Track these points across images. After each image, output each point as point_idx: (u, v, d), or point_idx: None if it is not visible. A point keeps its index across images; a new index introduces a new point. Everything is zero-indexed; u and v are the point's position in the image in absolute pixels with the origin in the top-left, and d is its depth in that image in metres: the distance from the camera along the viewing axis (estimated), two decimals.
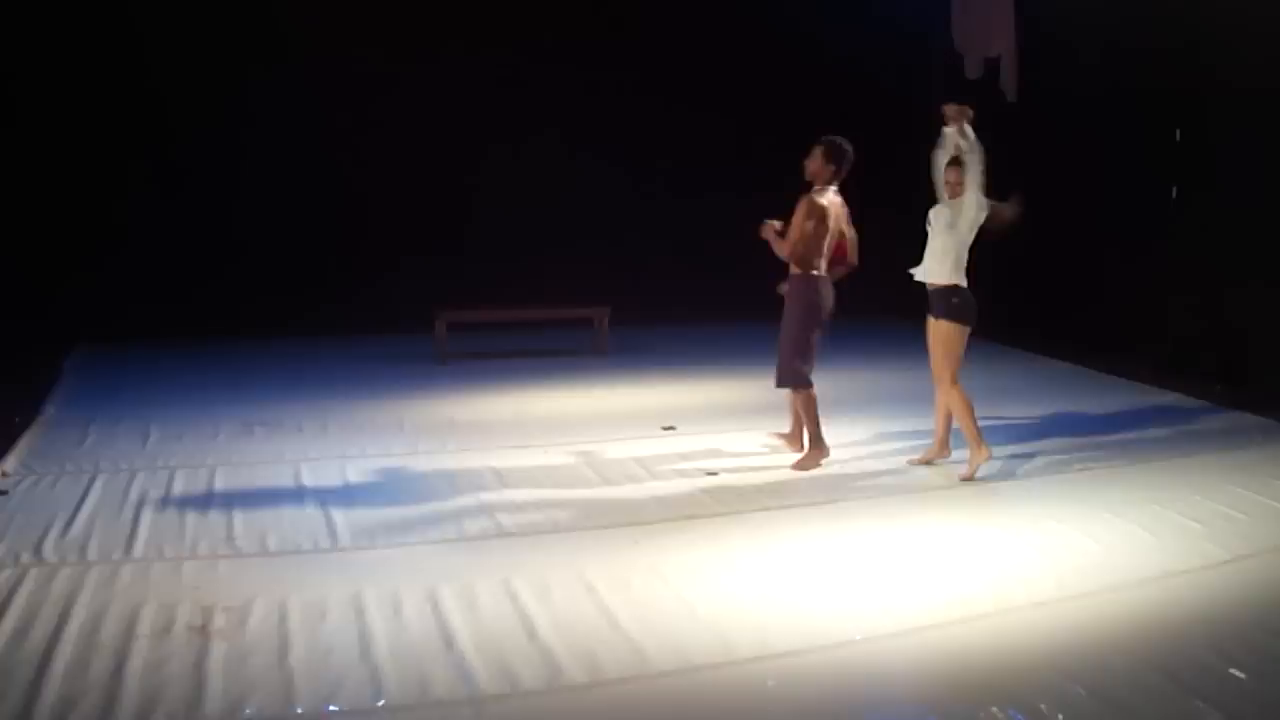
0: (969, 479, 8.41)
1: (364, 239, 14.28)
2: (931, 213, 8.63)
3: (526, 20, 14.72)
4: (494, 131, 14.74)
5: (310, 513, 7.45)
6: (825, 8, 15.48)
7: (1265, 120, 11.25)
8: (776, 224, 8.99)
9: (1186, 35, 12.25)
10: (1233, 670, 5.26)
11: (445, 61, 14.41)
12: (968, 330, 8.50)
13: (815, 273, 8.80)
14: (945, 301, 8.48)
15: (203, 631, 5.44)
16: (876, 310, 14.96)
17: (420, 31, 14.24)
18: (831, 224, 8.82)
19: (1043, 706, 4.87)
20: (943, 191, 8.60)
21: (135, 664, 5.09)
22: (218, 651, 5.24)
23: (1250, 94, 11.46)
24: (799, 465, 8.69)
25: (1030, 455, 9.21)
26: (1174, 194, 12.61)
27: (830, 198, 8.84)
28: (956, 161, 8.51)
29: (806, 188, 8.89)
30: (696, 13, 15.48)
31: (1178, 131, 12.55)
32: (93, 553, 6.59)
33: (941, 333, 8.49)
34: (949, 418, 8.70)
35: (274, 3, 13.73)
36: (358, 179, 14.21)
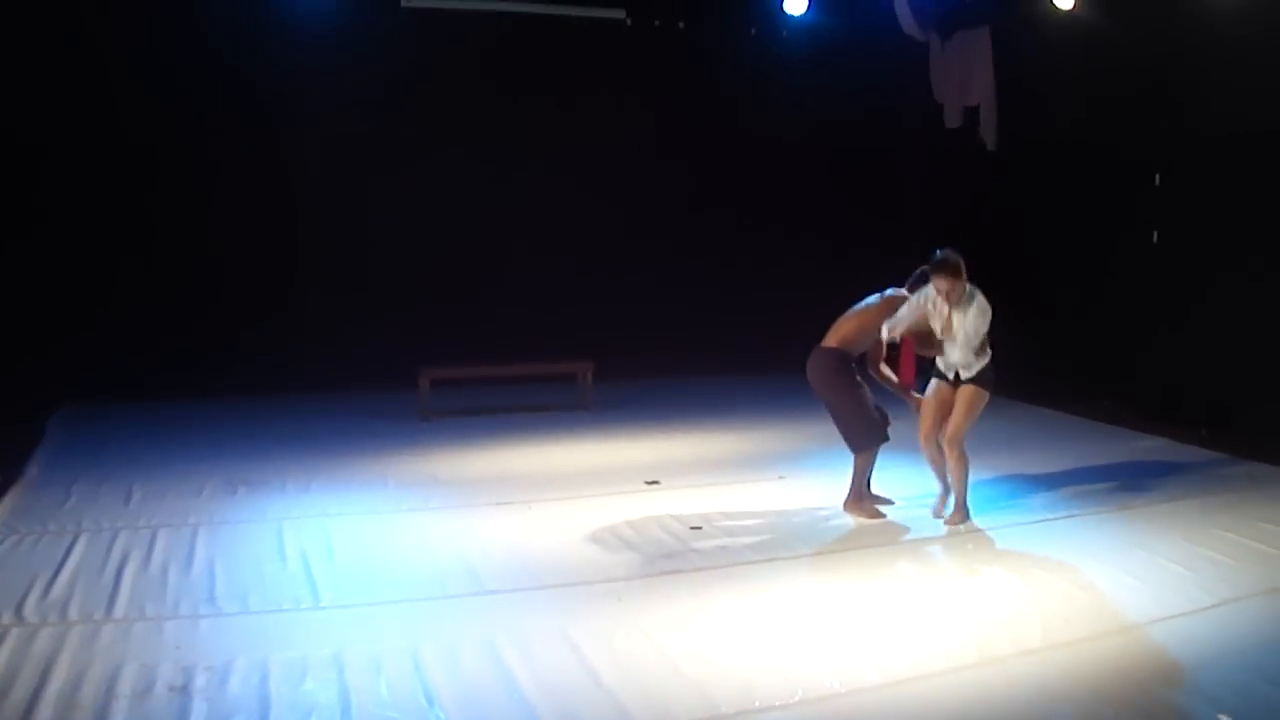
0: (951, 524, 8.56)
1: (348, 295, 14.25)
2: (935, 326, 8.54)
3: (511, 73, 14.80)
4: (479, 189, 14.77)
5: (292, 571, 7.43)
6: (804, 58, 15.60)
7: (1238, 163, 11.37)
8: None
9: (1163, 80, 12.37)
10: (1221, 716, 5.30)
11: (430, 118, 14.46)
12: (988, 395, 8.56)
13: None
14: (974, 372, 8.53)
15: (184, 692, 5.42)
16: None
17: (404, 87, 14.30)
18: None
19: None
20: (937, 308, 8.52)
21: None
22: (198, 712, 5.23)
23: (1224, 139, 11.58)
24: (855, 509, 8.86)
25: (1014, 503, 9.26)
26: (1155, 238, 12.69)
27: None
28: (943, 269, 8.41)
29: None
30: (680, 69, 15.57)
31: (1157, 176, 12.64)
32: (74, 612, 6.57)
33: (967, 394, 8.49)
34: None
35: (256, 65, 13.74)
36: (342, 235, 14.24)
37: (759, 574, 7.49)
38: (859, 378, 8.80)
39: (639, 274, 15.44)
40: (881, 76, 16.02)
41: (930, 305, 8.45)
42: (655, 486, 9.86)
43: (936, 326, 8.43)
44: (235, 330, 13.74)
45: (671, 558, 7.80)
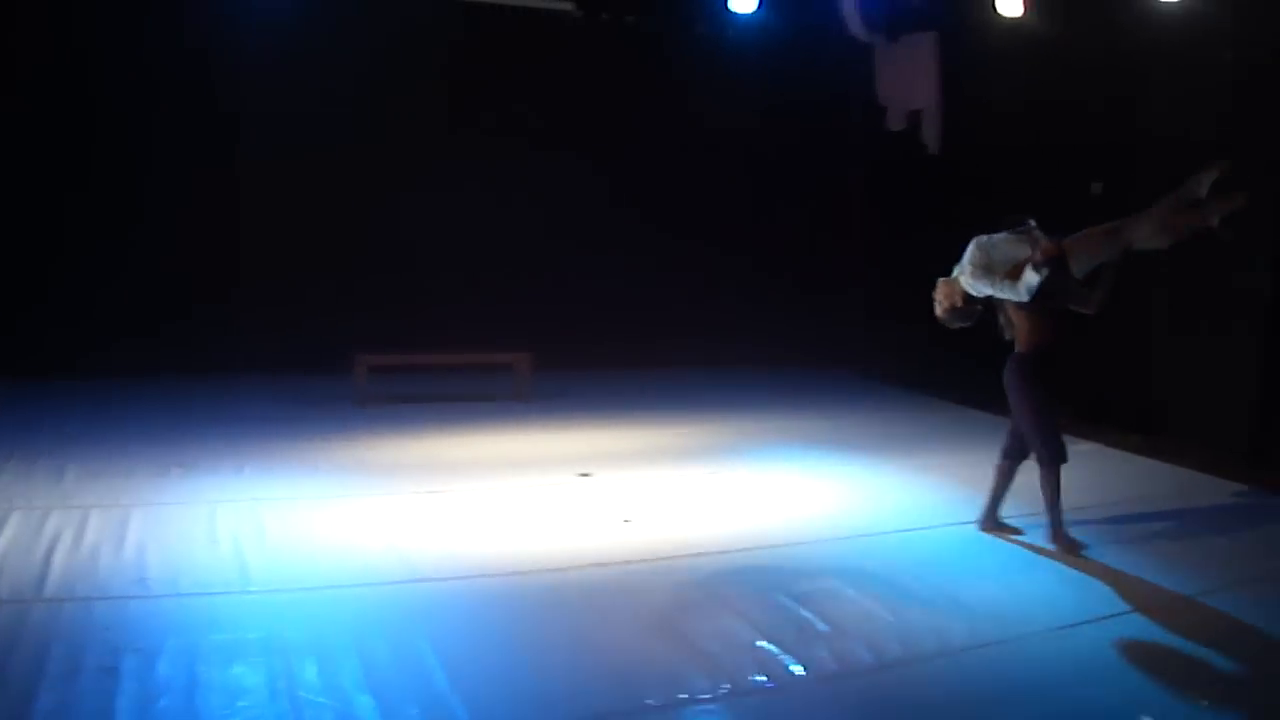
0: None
1: (287, 280, 14.25)
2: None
3: (458, 62, 14.82)
4: (421, 177, 14.80)
5: (224, 554, 7.42)
6: (750, 56, 15.67)
7: (1179, 170, 11.52)
8: None
9: (1108, 88, 12.51)
10: (1143, 717, 5.43)
11: (374, 105, 14.46)
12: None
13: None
14: None
15: (112, 673, 5.41)
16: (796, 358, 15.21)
17: (350, 73, 14.28)
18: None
19: None
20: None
21: (44, 705, 5.08)
22: (127, 693, 5.23)
23: (1167, 146, 11.72)
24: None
25: (943, 505, 9.35)
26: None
27: None
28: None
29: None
30: (627, 64, 15.63)
31: (1098, 184, 12.77)
32: (4, 591, 6.56)
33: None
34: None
35: (196, 46, 13.69)
36: (283, 219, 14.21)
37: (688, 567, 7.53)
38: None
39: (578, 266, 15.53)
40: (827, 77, 16.12)
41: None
42: (587, 478, 9.91)
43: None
44: (174, 310, 13.73)
45: (602, 549, 7.84)
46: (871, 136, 16.23)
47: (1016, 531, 8.46)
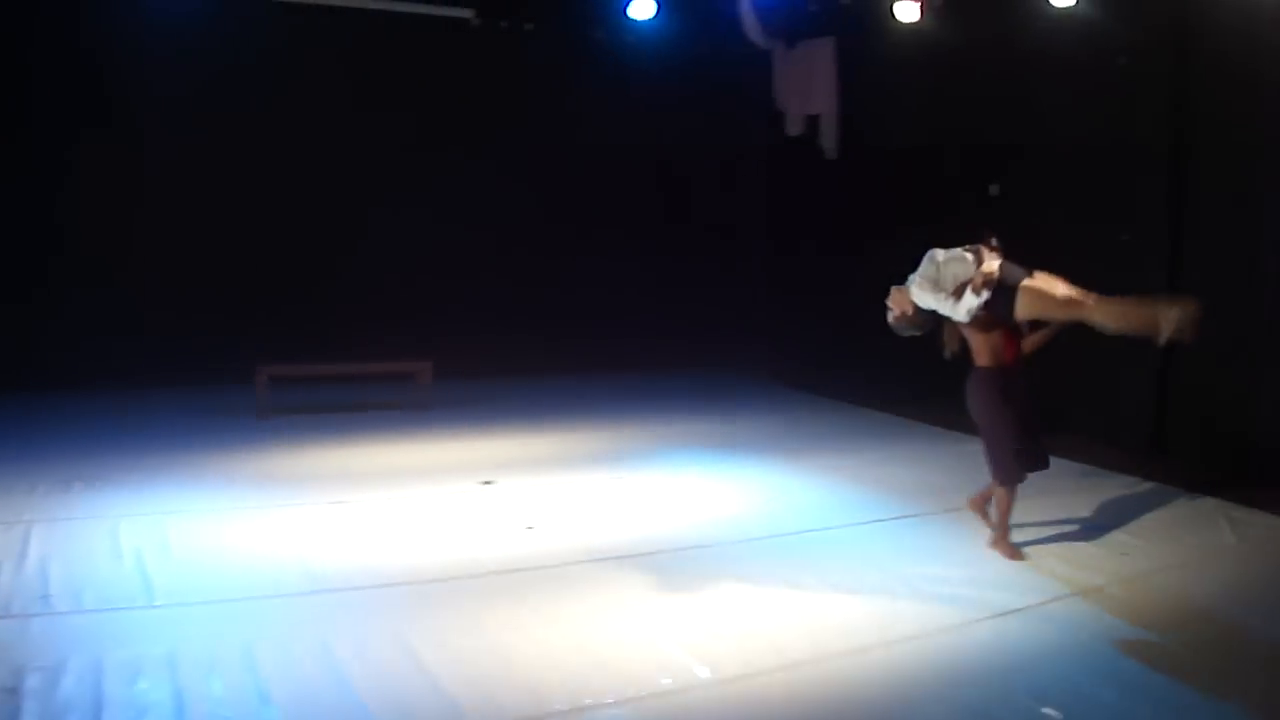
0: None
1: (188, 290, 14.13)
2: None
3: (359, 69, 14.79)
4: (320, 185, 14.72)
5: (128, 569, 7.39)
6: (649, 62, 15.76)
7: (1075, 172, 11.73)
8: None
9: (1003, 91, 12.71)
10: (1047, 710, 5.55)
11: (275, 111, 14.38)
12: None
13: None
14: None
15: (15, 693, 5.39)
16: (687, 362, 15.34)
17: (251, 80, 14.21)
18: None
19: None
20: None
21: None
22: (30, 712, 5.22)
23: (1062, 147, 11.94)
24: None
25: (846, 505, 9.49)
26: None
27: None
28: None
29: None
30: (526, 71, 15.69)
31: (995, 186, 12.96)
32: None
33: None
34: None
35: (103, 51, 13.57)
36: (182, 229, 14.08)
37: (591, 573, 7.61)
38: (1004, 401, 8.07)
39: (479, 275, 15.58)
40: (726, 83, 16.25)
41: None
42: (490, 485, 9.95)
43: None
44: (73, 323, 13.55)
45: (505, 557, 7.88)
46: (771, 142, 16.38)
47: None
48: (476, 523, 8.79)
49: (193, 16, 13.63)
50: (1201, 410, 10.77)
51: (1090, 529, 8.72)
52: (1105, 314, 7.64)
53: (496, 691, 5.66)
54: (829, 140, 15.18)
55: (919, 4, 13.16)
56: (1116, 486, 10.02)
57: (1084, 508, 9.16)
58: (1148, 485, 10.13)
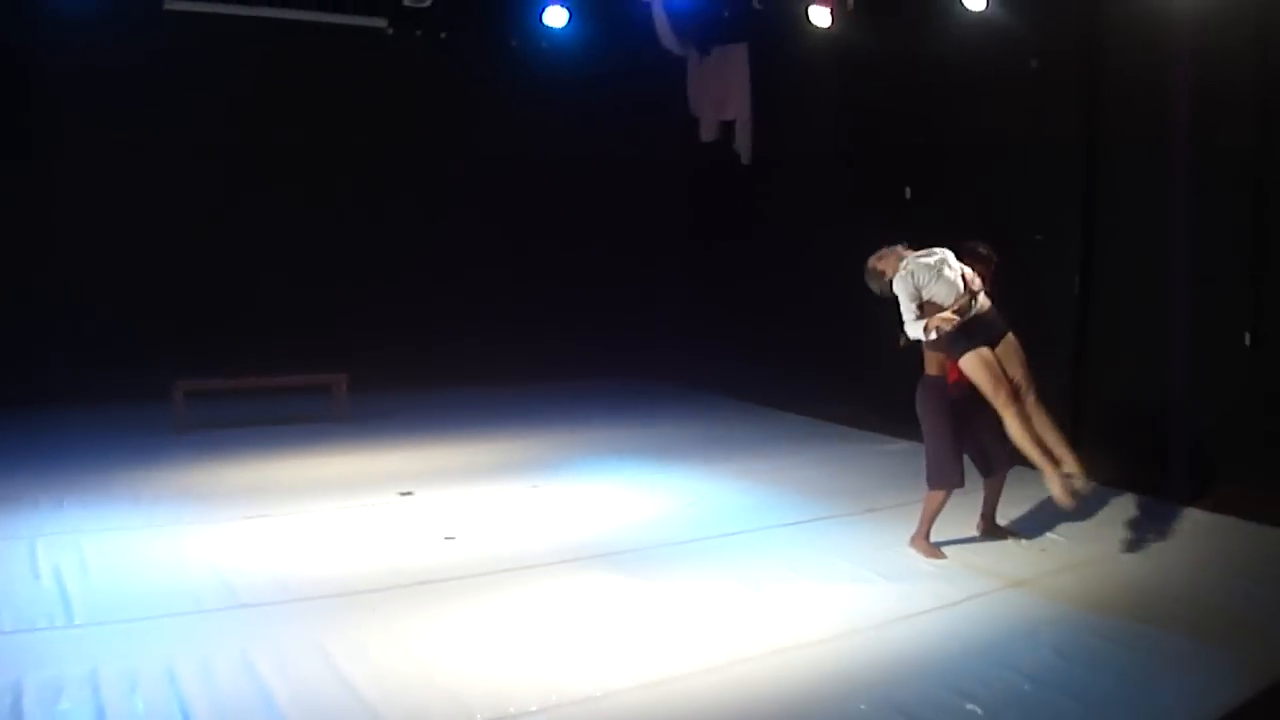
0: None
1: (100, 305, 13.95)
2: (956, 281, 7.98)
3: (272, 80, 14.71)
4: (234, 196, 14.62)
5: (46, 589, 7.34)
6: (563, 70, 15.80)
7: (987, 173, 11.88)
8: None
9: (916, 95, 12.85)
10: (969, 706, 5.66)
11: (187, 124, 14.24)
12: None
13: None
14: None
15: None
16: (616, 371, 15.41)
17: (164, 92, 14.08)
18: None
19: None
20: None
21: None
22: None
23: (976, 150, 12.08)
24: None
25: (762, 508, 9.61)
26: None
27: None
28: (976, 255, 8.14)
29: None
30: (441, 80, 15.69)
31: (908, 189, 13.09)
32: None
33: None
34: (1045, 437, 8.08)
35: (7, 64, 13.41)
36: (94, 243, 13.92)
37: (512, 581, 7.65)
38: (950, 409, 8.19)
39: (396, 286, 15.53)
40: (640, 90, 16.30)
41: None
42: (409, 497, 9.97)
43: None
44: None
45: (425, 567, 7.91)
46: (686, 148, 16.45)
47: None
48: (396, 534, 8.80)
49: (97, 28, 13.45)
50: (1115, 407, 10.93)
51: (1010, 526, 8.86)
52: (1017, 430, 7.84)
53: (419, 702, 5.69)
54: (744, 146, 15.25)
55: (829, 9, 13.25)
56: (1034, 483, 10.15)
57: (1002, 504, 9.12)
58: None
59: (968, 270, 7.96)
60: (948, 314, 7.73)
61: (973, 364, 7.86)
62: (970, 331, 7.83)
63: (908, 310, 7.80)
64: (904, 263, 7.95)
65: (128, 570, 7.81)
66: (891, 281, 7.93)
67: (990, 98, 12.06)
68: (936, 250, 7.97)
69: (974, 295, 7.87)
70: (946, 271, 7.85)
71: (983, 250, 8.24)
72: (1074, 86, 11.34)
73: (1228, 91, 10.11)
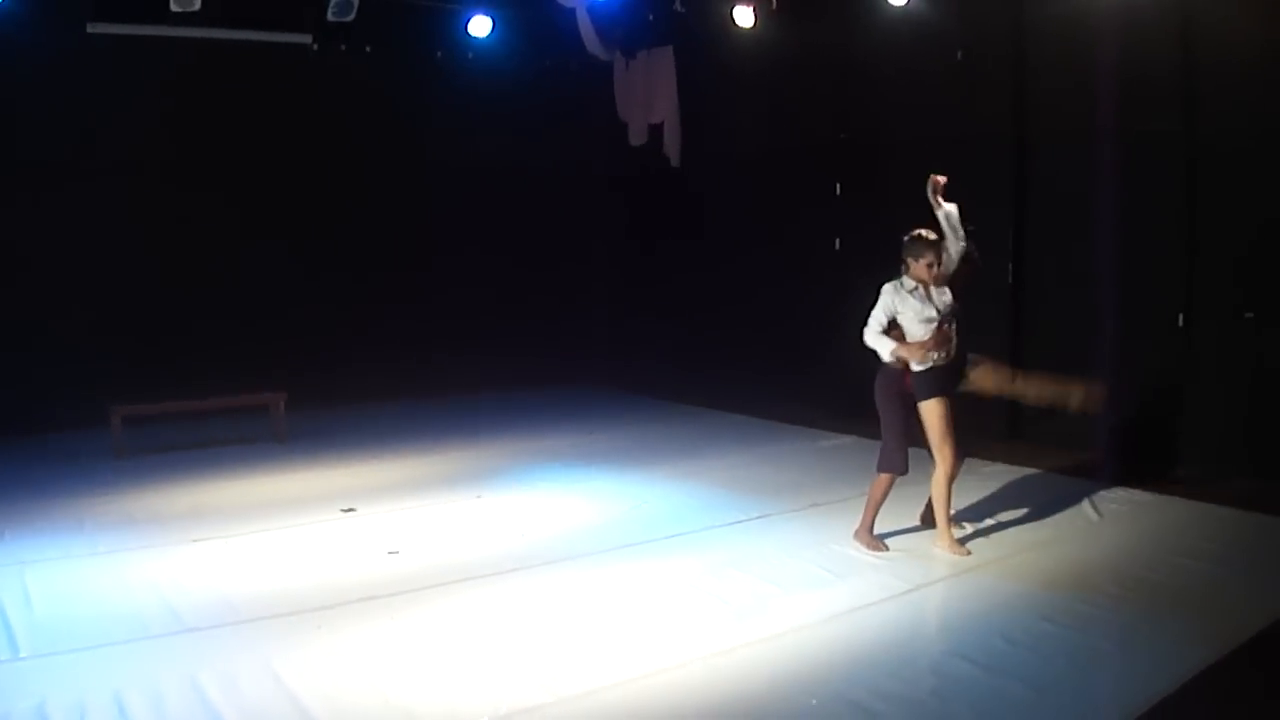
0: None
1: (32, 335, 13.78)
2: (920, 303, 8.18)
3: (197, 100, 14.64)
4: (166, 219, 14.55)
5: None
6: (489, 79, 15.82)
7: (916, 169, 11.98)
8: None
9: (842, 93, 12.94)
10: (920, 696, 5.75)
11: (116, 146, 14.14)
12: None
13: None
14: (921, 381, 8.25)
15: None
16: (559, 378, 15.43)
17: (90, 114, 13.98)
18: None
19: None
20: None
21: None
22: None
23: (904, 144, 12.18)
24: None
25: (708, 506, 9.71)
26: (837, 245, 13.23)
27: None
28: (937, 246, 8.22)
29: None
30: (366, 94, 15.68)
31: (838, 185, 13.19)
32: None
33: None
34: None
35: None
36: (23, 269, 13.80)
37: (457, 593, 7.67)
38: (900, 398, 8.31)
39: (329, 303, 15.53)
40: (567, 96, 16.39)
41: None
42: (351, 513, 9.96)
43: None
44: None
45: (370, 582, 7.91)
46: (614, 153, 16.52)
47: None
48: (339, 551, 8.79)
49: (18, 53, 13.37)
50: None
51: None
52: (941, 481, 8.26)
53: (370, 716, 5.69)
54: (673, 149, 15.35)
55: (752, 8, 13.34)
56: (977, 471, 10.28)
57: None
58: (1007, 469, 10.46)
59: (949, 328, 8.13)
60: (917, 352, 7.99)
61: (932, 411, 8.12)
62: (939, 376, 8.09)
63: (875, 321, 8.10)
64: (899, 283, 8.22)
65: (73, 600, 7.74)
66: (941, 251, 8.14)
67: (918, 91, 12.18)
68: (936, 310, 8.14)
69: (947, 350, 8.11)
70: (925, 318, 8.08)
71: (930, 236, 8.30)
72: (1002, 77, 11.49)
73: (1155, 78, 10.28)
